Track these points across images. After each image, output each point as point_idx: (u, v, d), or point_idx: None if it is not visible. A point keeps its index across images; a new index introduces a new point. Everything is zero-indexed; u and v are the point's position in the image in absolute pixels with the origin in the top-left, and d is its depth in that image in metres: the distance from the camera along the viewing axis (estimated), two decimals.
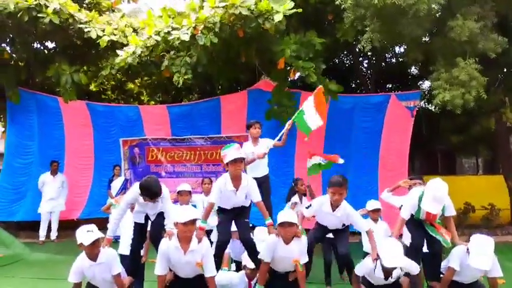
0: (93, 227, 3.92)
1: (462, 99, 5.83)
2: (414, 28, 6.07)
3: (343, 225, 4.51)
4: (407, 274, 4.07)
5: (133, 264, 4.51)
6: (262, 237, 4.59)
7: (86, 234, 3.80)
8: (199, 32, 6.81)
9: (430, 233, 4.43)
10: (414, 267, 4.04)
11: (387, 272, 3.87)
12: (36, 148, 9.25)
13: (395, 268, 3.80)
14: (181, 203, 5.72)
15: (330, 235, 4.76)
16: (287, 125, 5.84)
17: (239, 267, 5.01)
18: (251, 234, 4.68)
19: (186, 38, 6.89)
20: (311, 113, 5.85)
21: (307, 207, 4.52)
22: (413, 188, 4.74)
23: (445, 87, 6.02)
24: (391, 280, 3.97)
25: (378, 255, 3.94)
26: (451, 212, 4.39)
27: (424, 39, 7.23)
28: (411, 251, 4.19)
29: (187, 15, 7.32)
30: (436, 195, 4.08)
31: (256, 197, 4.46)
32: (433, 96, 6.32)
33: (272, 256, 4.07)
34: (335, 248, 4.94)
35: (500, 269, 4.04)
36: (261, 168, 5.84)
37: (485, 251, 3.88)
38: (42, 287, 5.69)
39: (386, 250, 3.81)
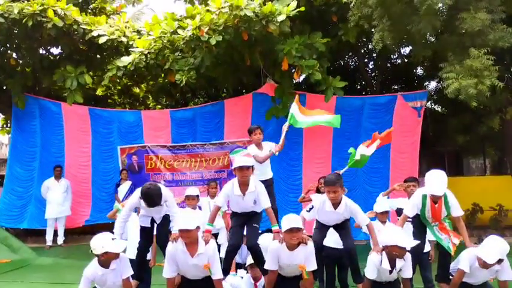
0: (111, 235, 3.94)
1: (476, 89, 5.69)
2: (424, 25, 5.95)
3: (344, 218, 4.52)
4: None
5: (140, 268, 4.49)
6: (265, 244, 4.50)
7: (114, 242, 3.80)
8: (204, 33, 6.83)
9: (436, 239, 4.45)
10: (409, 271, 4.02)
11: (393, 262, 3.92)
12: (38, 155, 9.16)
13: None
14: (188, 207, 5.70)
15: (334, 244, 4.76)
16: (285, 128, 5.91)
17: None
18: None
19: (189, 33, 7.00)
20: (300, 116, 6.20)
21: (308, 210, 4.46)
22: (417, 189, 4.74)
23: (458, 78, 5.87)
24: (395, 272, 3.99)
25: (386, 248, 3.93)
26: (458, 211, 4.35)
27: (431, 38, 7.16)
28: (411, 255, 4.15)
29: (194, 15, 7.36)
30: (436, 178, 4.23)
31: (265, 203, 4.43)
32: (446, 87, 6.13)
33: (277, 263, 3.99)
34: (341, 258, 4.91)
35: (511, 272, 3.97)
36: (268, 171, 5.80)
37: (497, 244, 3.88)
38: None
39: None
